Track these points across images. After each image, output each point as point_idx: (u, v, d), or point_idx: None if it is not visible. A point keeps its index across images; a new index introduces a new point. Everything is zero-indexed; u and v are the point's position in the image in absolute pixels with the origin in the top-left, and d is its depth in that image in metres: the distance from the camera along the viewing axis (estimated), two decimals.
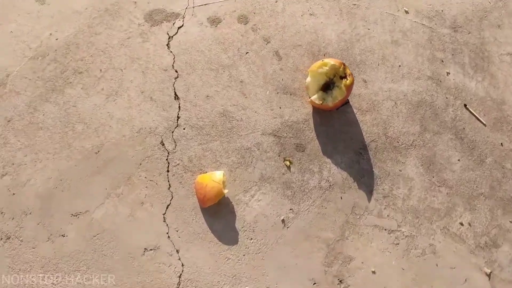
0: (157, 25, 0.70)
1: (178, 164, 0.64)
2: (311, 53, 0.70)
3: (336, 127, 0.68)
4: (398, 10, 0.74)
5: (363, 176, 0.65)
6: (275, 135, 0.66)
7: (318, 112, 0.68)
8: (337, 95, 0.61)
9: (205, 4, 0.71)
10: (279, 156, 0.65)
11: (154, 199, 0.61)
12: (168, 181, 0.63)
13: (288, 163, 0.66)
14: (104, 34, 0.69)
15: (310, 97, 0.64)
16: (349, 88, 0.60)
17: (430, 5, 0.75)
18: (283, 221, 0.61)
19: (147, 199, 0.61)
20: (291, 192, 0.64)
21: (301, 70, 0.70)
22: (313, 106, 0.67)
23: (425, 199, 0.65)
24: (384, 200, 0.64)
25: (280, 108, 0.67)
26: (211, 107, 0.66)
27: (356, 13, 0.72)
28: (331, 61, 0.61)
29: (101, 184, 0.62)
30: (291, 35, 0.72)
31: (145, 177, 0.63)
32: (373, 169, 0.65)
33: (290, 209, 0.62)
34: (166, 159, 0.64)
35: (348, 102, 0.66)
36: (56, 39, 0.69)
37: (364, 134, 0.68)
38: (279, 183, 0.64)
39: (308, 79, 0.64)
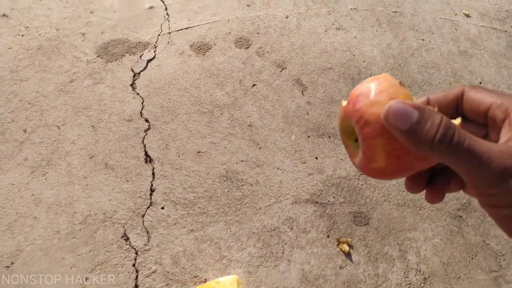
0: (115, 60, 0.72)
1: (153, 272, 0.57)
2: (348, 77, 0.72)
3: None
4: (456, 14, 0.79)
5: (475, 254, 0.61)
6: (316, 202, 0.61)
7: None
8: None
9: (186, 28, 0.75)
10: (328, 237, 0.62)
11: None
12: None
13: (345, 247, 0.62)
14: (34, 80, 0.70)
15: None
16: None
17: (496, 4, 0.81)
18: None
19: None
20: None
21: (337, 100, 0.70)
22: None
23: None
24: None
25: (316, 158, 0.64)
26: (206, 168, 0.62)
27: (401, 21, 0.77)
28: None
29: None
30: (314, 56, 0.74)
31: None
32: (487, 241, 0.58)
33: None
34: (133, 265, 0.58)
35: None
36: None
37: None
38: (336, 284, 0.57)
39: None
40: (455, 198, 0.65)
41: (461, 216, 0.64)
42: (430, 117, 0.22)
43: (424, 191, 0.25)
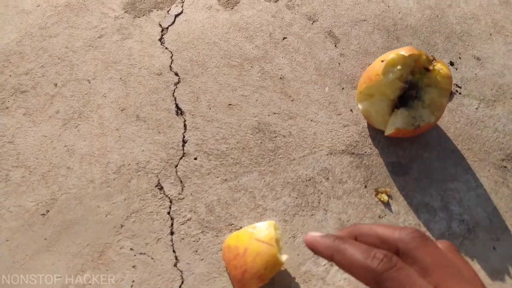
0: (143, 16, 0.71)
1: (188, 220, 0.58)
2: (383, 28, 0.71)
3: (453, 131, 0.66)
4: None
5: None
6: (352, 153, 0.59)
7: None
8: (436, 98, 0.55)
9: None
10: (365, 187, 0.59)
11: None
12: (174, 251, 0.56)
13: (384, 197, 0.60)
14: (63, 36, 0.69)
15: (384, 130, 0.60)
16: (450, 77, 0.55)
17: None
18: None
19: None
20: None
21: (372, 52, 0.68)
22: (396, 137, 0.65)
23: None
24: None
25: (351, 111, 0.63)
26: (238, 120, 0.61)
27: None
28: (399, 52, 0.56)
29: (53, 269, 0.54)
30: (347, 8, 0.72)
31: (131, 249, 0.56)
32: None
33: None
34: (168, 213, 0.58)
35: (453, 94, 0.63)
36: None
37: (502, 136, 0.65)
38: None
39: (365, 104, 0.62)
40: (499, 149, 0.63)
41: (505, 167, 0.62)
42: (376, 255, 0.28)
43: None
